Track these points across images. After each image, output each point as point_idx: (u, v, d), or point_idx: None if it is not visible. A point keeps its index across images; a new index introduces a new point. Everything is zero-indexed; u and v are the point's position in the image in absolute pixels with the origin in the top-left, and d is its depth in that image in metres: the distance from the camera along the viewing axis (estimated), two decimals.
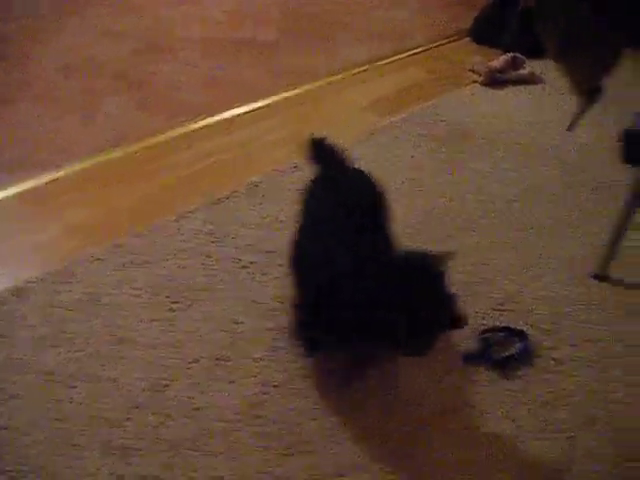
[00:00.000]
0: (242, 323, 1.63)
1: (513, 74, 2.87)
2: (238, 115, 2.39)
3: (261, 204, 1.97)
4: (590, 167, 2.38)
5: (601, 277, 1.91)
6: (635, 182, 1.72)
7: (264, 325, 1.62)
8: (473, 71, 2.86)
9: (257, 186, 2.03)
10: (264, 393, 1.49)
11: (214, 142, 2.22)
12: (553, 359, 1.65)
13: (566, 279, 1.89)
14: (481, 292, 1.79)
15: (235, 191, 2.01)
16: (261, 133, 2.29)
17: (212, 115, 2.35)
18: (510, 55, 2.85)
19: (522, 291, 1.82)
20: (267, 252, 1.83)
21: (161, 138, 2.25)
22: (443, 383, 1.57)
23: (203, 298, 1.68)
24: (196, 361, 1.54)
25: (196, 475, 1.32)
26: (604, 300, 1.83)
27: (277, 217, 1.93)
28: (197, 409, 1.45)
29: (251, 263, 1.78)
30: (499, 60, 2.86)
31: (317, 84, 2.64)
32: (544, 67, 2.83)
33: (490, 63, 2.85)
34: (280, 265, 1.78)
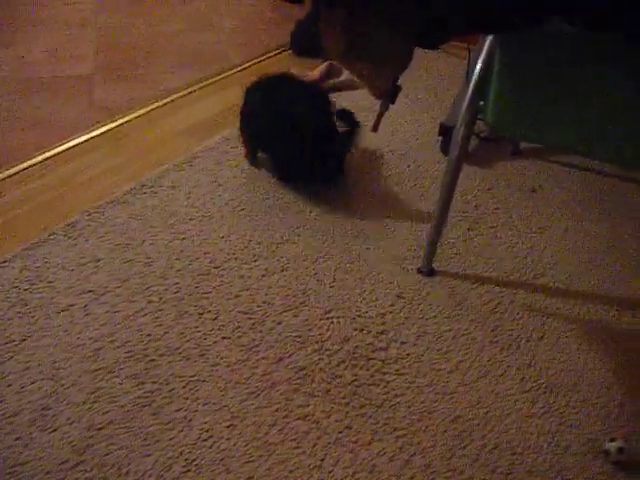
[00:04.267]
0: (63, 369, 1.58)
1: (331, 82, 2.88)
2: (53, 155, 2.34)
3: (78, 244, 1.92)
4: (409, 163, 2.45)
5: (426, 271, 1.95)
6: (447, 174, 1.78)
7: (85, 368, 1.58)
8: None
9: (74, 226, 1.99)
10: (89, 437, 1.44)
11: (28, 186, 2.16)
12: (382, 360, 1.65)
13: (392, 278, 1.94)
14: (308, 303, 1.79)
15: (53, 233, 1.96)
16: (78, 171, 2.24)
17: (26, 159, 2.28)
18: (326, 64, 2.86)
19: (349, 296, 1.82)
20: (87, 292, 1.78)
21: None
22: None
23: (22, 348, 1.63)
24: (16, 414, 1.49)
25: None
26: (430, 294, 1.85)
27: (96, 255, 1.90)
28: (21, 464, 1.41)
29: (70, 306, 1.73)
30: (316, 71, 2.86)
31: (134, 115, 2.60)
32: None
33: (307, 73, 2.83)
34: (101, 303, 1.77)
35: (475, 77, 1.62)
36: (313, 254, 1.97)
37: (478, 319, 1.80)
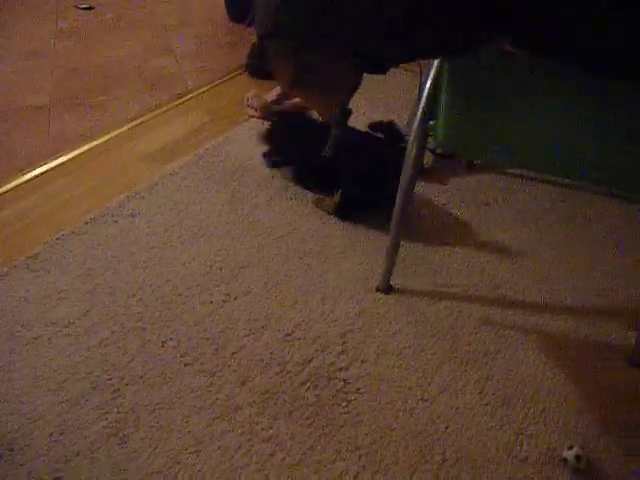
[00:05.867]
0: (29, 403, 1.59)
1: (287, 104, 2.89)
2: (11, 189, 2.33)
3: (40, 276, 1.94)
4: None
5: (384, 289, 1.99)
6: (400, 191, 1.81)
7: (51, 400, 1.60)
8: (249, 106, 2.87)
9: (36, 258, 2.00)
10: (57, 470, 1.47)
11: None
12: (343, 380, 1.69)
13: (352, 297, 1.98)
14: (269, 326, 1.82)
15: (14, 267, 1.96)
16: (38, 203, 2.25)
17: None
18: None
19: (310, 317, 1.86)
20: (51, 324, 1.80)
21: None
22: None
23: None
24: None
25: None
26: (389, 311, 1.89)
27: (58, 287, 1.91)
28: None
29: (34, 339, 1.75)
30: (272, 92, 2.88)
31: (93, 144, 2.61)
32: None
33: (264, 96, 2.86)
34: (65, 335, 1.79)
35: (424, 96, 1.65)
36: (274, 277, 2.01)
37: (437, 335, 1.84)
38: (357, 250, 2.13)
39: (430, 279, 2.03)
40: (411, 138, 1.73)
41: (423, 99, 1.66)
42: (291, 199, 2.35)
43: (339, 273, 2.04)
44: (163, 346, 1.75)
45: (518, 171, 2.54)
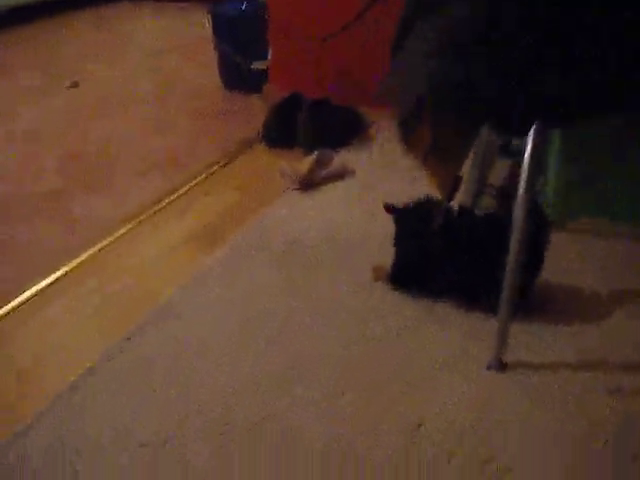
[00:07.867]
0: None
1: (323, 173, 2.77)
2: (28, 300, 2.06)
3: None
4: None
5: (497, 367, 1.75)
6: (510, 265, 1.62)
7: None
8: (285, 178, 2.72)
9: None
10: None
11: None
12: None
13: (461, 381, 1.72)
14: (385, 429, 1.60)
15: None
16: (54, 322, 1.97)
17: None
18: (315, 154, 2.76)
19: (429, 408, 1.65)
20: None
21: None
22: None
23: None
24: None
25: None
26: (510, 392, 1.68)
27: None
28: None
29: None
30: (305, 162, 2.75)
31: (116, 235, 2.38)
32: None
33: (297, 167, 2.73)
34: None
35: (528, 166, 1.53)
36: (370, 374, 1.76)
37: (568, 417, 1.61)
38: (450, 324, 1.91)
39: (539, 349, 1.81)
40: (517, 212, 1.56)
41: (526, 170, 1.53)
42: (356, 273, 2.12)
43: (440, 351, 1.81)
44: None
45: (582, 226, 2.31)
